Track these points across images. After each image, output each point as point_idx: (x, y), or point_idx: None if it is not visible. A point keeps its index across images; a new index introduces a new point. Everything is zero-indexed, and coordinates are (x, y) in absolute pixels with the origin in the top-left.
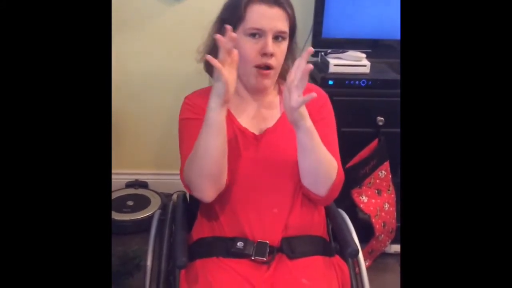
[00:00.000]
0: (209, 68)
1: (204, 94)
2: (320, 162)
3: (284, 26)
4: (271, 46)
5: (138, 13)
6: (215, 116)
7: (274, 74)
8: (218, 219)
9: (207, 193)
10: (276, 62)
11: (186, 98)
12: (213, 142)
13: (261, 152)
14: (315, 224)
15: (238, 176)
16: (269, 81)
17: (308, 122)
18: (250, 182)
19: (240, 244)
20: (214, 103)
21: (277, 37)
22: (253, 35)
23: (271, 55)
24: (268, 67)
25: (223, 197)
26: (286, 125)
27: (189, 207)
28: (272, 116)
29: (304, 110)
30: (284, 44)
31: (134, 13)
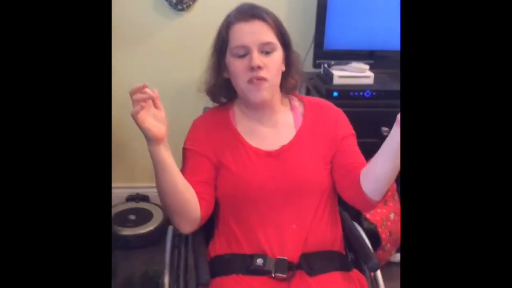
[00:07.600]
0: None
1: (209, 119)
2: (396, 169)
3: (268, 37)
4: (256, 58)
5: (139, 27)
6: (154, 155)
7: (269, 86)
8: (235, 236)
9: (180, 227)
10: (268, 74)
11: (194, 121)
12: (163, 181)
13: (277, 170)
14: (334, 239)
15: (254, 194)
16: (265, 93)
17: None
18: (267, 199)
19: (259, 261)
20: (148, 145)
21: (264, 50)
22: (240, 56)
23: (259, 67)
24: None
25: (240, 214)
26: (303, 143)
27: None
28: (287, 134)
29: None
30: (275, 55)
31: (136, 27)
